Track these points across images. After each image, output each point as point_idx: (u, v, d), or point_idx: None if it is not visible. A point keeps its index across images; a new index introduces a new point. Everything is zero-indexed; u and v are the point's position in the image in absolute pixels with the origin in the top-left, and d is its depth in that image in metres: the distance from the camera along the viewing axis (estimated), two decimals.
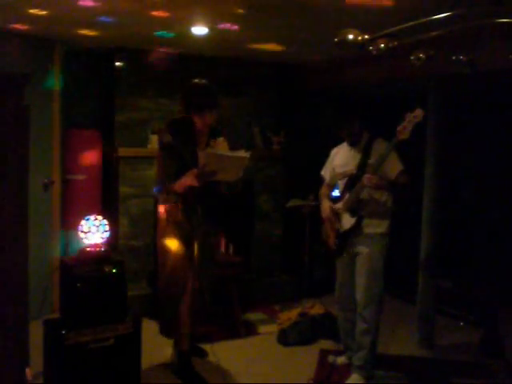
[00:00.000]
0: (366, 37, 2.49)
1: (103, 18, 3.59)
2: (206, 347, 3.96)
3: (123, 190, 4.78)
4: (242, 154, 3.31)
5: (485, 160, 4.91)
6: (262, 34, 4.03)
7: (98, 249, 3.30)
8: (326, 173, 3.78)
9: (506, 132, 4.63)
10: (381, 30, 2.57)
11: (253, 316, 4.72)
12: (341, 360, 3.79)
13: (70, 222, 4.57)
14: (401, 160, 3.40)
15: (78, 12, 3.40)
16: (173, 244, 3.49)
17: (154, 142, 4.66)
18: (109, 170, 4.92)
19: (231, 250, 4.84)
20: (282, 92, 5.58)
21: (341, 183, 3.61)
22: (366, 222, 3.44)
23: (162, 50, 4.79)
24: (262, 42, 4.27)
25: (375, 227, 3.46)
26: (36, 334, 3.31)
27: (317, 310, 4.47)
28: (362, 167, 3.41)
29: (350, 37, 2.47)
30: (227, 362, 3.84)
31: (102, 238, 3.33)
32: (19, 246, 3.13)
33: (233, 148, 3.54)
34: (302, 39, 4.15)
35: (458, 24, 2.71)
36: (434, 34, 2.67)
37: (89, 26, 3.90)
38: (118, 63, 4.79)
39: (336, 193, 3.69)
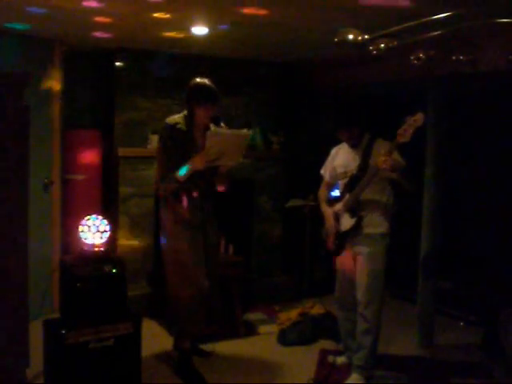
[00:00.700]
0: (366, 37, 2.50)
1: (103, 19, 3.59)
2: (205, 347, 3.96)
3: (123, 190, 4.78)
4: (244, 131, 3.55)
5: (485, 160, 4.91)
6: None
7: (97, 249, 3.30)
8: (325, 171, 3.78)
9: (506, 132, 4.63)
10: (381, 30, 2.57)
11: (253, 316, 4.71)
12: (341, 360, 3.79)
13: (69, 222, 4.57)
14: (403, 158, 3.40)
15: (78, 12, 3.40)
16: (183, 244, 3.50)
17: (154, 141, 4.65)
18: (109, 170, 4.93)
19: (231, 250, 4.84)
20: (282, 92, 5.58)
21: (341, 183, 3.60)
22: (366, 221, 3.44)
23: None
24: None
25: (376, 227, 3.45)
26: (36, 334, 3.31)
27: (317, 310, 4.46)
28: (362, 168, 3.41)
29: (350, 37, 2.48)
30: (227, 362, 3.84)
31: (102, 238, 3.33)
32: (19, 246, 3.14)
33: None
34: (303, 39, 4.16)
35: (457, 24, 2.72)
36: (434, 34, 2.67)
37: (89, 26, 3.90)
38: (118, 63, 4.79)
39: (336, 193, 3.68)
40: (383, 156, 3.18)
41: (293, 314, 4.46)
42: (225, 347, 4.06)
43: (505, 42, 3.43)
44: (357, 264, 3.51)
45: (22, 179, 3.15)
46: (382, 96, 5.36)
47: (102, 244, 3.32)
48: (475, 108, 4.85)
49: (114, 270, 3.22)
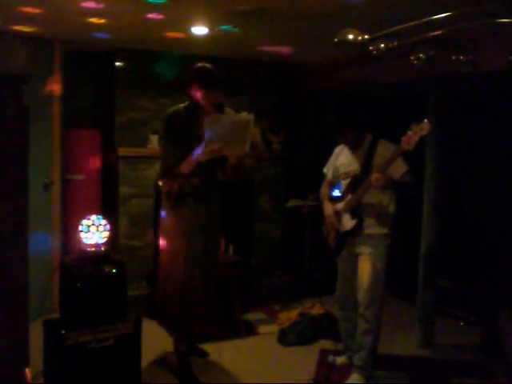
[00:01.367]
0: (366, 37, 2.50)
1: (103, 20, 3.59)
2: (205, 347, 3.96)
3: (123, 190, 4.78)
4: (244, 115, 3.31)
5: (485, 160, 4.91)
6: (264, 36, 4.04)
7: (97, 249, 3.30)
8: (328, 170, 3.77)
9: (506, 132, 4.63)
10: (381, 30, 2.57)
11: (253, 316, 4.71)
12: (341, 360, 3.79)
13: (69, 222, 4.58)
14: (405, 161, 3.40)
15: (77, 13, 3.40)
16: (181, 243, 3.46)
17: (154, 141, 4.66)
18: (109, 169, 4.93)
19: (231, 250, 4.84)
20: (282, 92, 5.58)
21: (343, 183, 3.60)
22: (367, 222, 3.44)
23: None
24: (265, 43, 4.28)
25: (377, 228, 3.45)
26: (36, 333, 3.31)
27: (317, 310, 4.47)
28: (366, 168, 3.41)
29: (350, 37, 2.48)
30: (227, 362, 3.84)
31: (102, 238, 3.33)
32: (19, 246, 3.13)
33: None
34: (303, 39, 4.15)
35: (457, 24, 2.71)
36: (434, 33, 2.67)
37: (88, 27, 3.90)
38: (117, 63, 4.80)
39: (337, 193, 3.68)
40: (377, 173, 3.20)
41: (293, 313, 4.46)
42: (225, 347, 4.06)
43: (505, 42, 3.42)
44: (358, 264, 3.51)
45: (21, 179, 3.15)
46: (382, 96, 5.36)
47: (102, 244, 3.32)
48: (475, 108, 4.85)
49: (113, 270, 3.22)
